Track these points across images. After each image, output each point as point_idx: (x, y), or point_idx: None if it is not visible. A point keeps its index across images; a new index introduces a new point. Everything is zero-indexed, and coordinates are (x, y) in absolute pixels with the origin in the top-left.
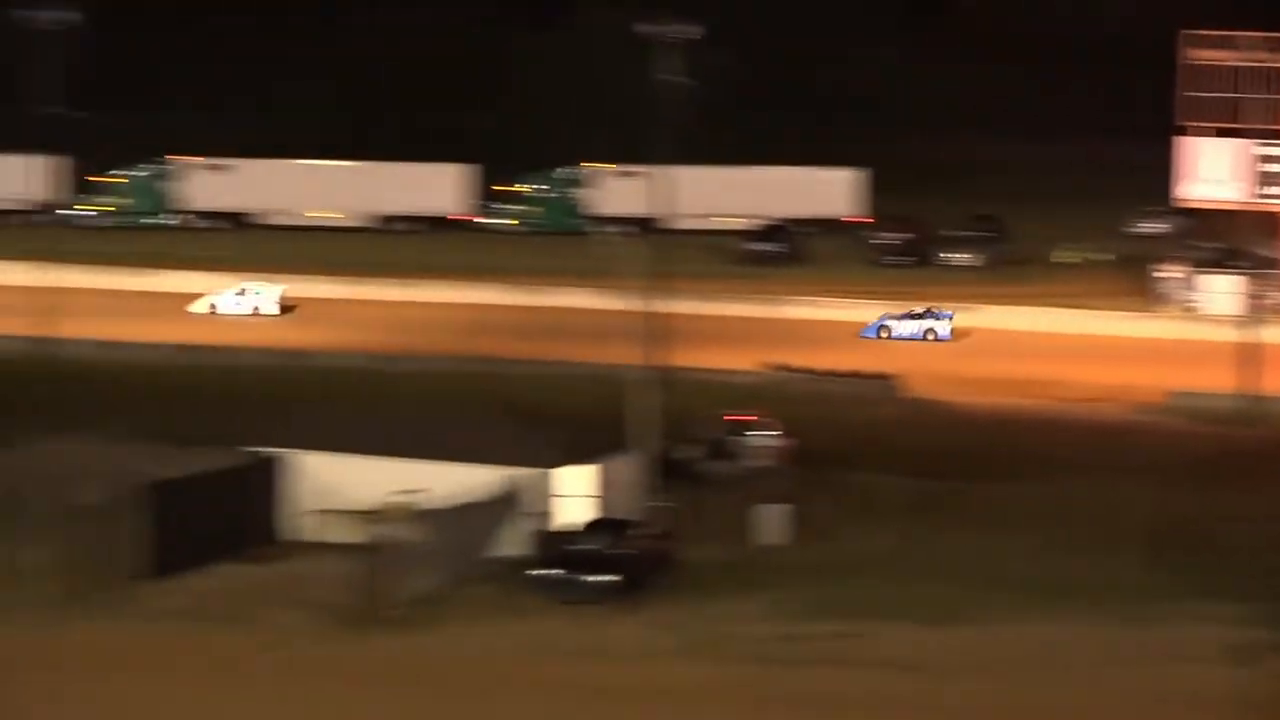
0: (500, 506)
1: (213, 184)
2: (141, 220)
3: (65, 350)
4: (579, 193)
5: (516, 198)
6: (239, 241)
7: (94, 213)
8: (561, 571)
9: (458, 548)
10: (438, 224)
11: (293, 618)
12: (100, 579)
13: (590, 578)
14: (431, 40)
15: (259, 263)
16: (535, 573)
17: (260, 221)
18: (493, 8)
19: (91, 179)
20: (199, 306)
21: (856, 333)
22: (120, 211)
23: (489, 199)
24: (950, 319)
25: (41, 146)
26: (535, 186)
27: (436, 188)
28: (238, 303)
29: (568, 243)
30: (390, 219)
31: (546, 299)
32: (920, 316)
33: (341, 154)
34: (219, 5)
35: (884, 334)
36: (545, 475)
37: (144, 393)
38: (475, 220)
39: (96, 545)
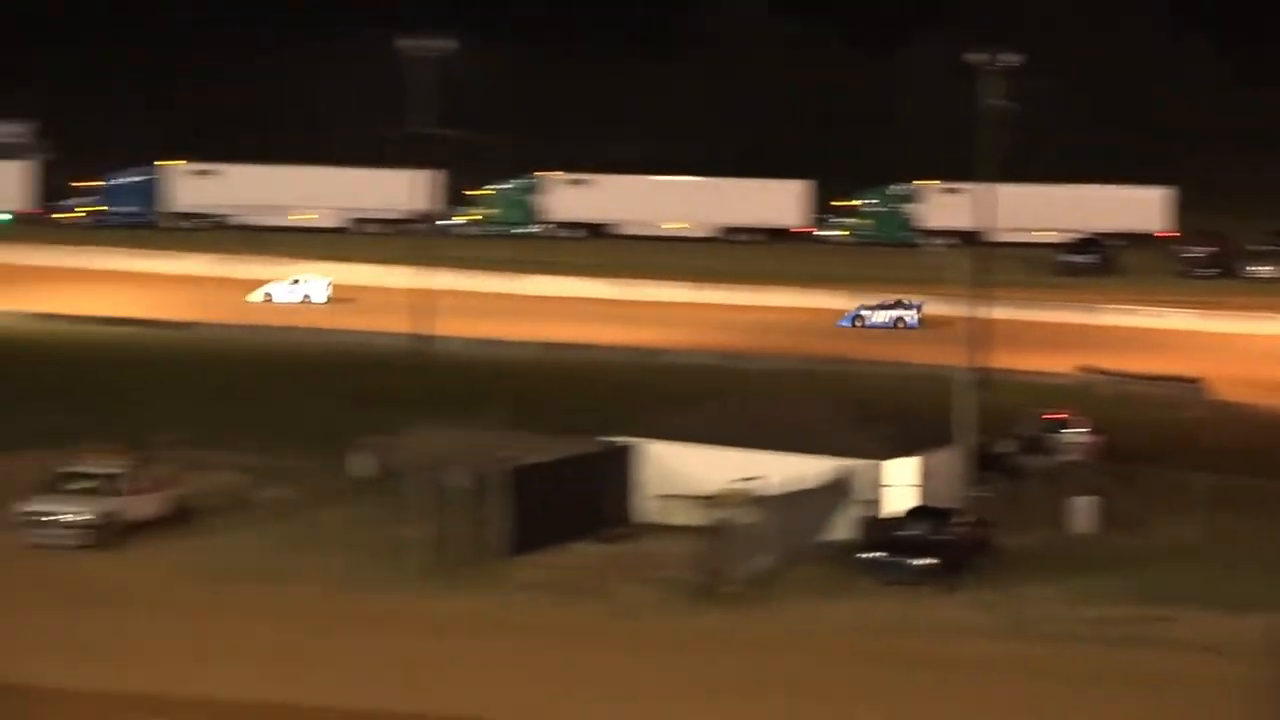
0: (831, 494)
1: (574, 197)
2: (510, 230)
3: (440, 346)
4: (909, 207)
5: (852, 211)
6: (595, 250)
7: (467, 223)
8: (886, 555)
9: (791, 531)
10: (778, 235)
11: (640, 592)
12: (467, 554)
13: (913, 561)
14: (777, 65)
15: (610, 269)
16: (862, 555)
17: (616, 232)
18: (833, 35)
19: (466, 192)
20: (255, 295)
21: (848, 324)
22: (491, 221)
23: (826, 213)
24: (918, 309)
25: (422, 163)
26: (869, 201)
27: (778, 202)
28: (291, 291)
29: (898, 253)
30: (734, 230)
31: None
32: (891, 307)
33: (692, 170)
34: (582, 33)
35: (859, 323)
36: (874, 466)
37: (510, 385)
38: (813, 232)
39: (465, 523)
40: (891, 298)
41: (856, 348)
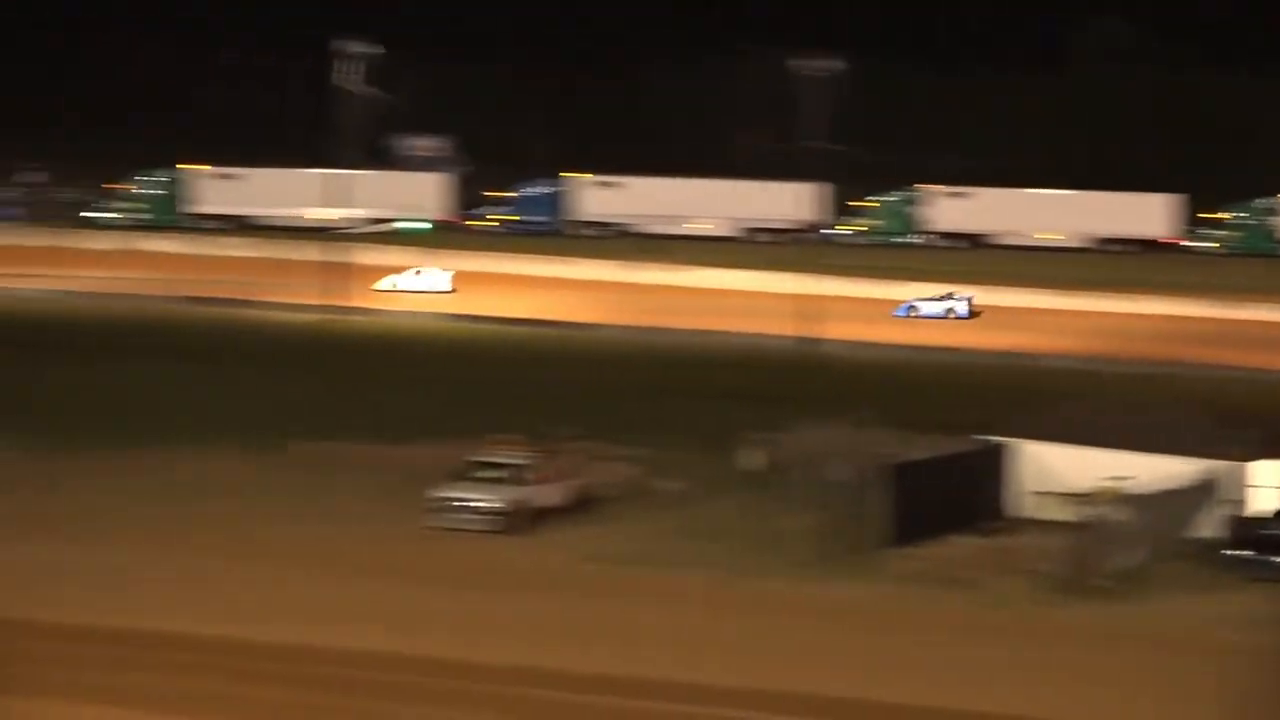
0: (1198, 494)
1: (953, 209)
2: (891, 239)
3: (825, 348)
4: (1275, 220)
5: (1219, 223)
6: (972, 259)
7: (852, 232)
8: (1252, 553)
9: (1158, 529)
10: (1148, 246)
11: (1012, 584)
12: (848, 545)
13: (1279, 559)
14: (1146, 80)
15: (986, 277)
16: (1228, 553)
17: (993, 242)
18: (1199, 51)
19: (850, 203)
20: (383, 284)
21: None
22: (874, 231)
23: (1194, 225)
24: (969, 301)
25: (809, 175)
26: (1236, 214)
27: (1148, 214)
28: (414, 281)
29: (1264, 264)
30: (1106, 241)
31: (1243, 313)
32: (942, 299)
33: (1065, 183)
34: (963, 52)
35: (913, 313)
36: (1239, 467)
37: (890, 386)
38: (1181, 243)
39: (846, 516)
40: (943, 290)
41: (1222, 354)
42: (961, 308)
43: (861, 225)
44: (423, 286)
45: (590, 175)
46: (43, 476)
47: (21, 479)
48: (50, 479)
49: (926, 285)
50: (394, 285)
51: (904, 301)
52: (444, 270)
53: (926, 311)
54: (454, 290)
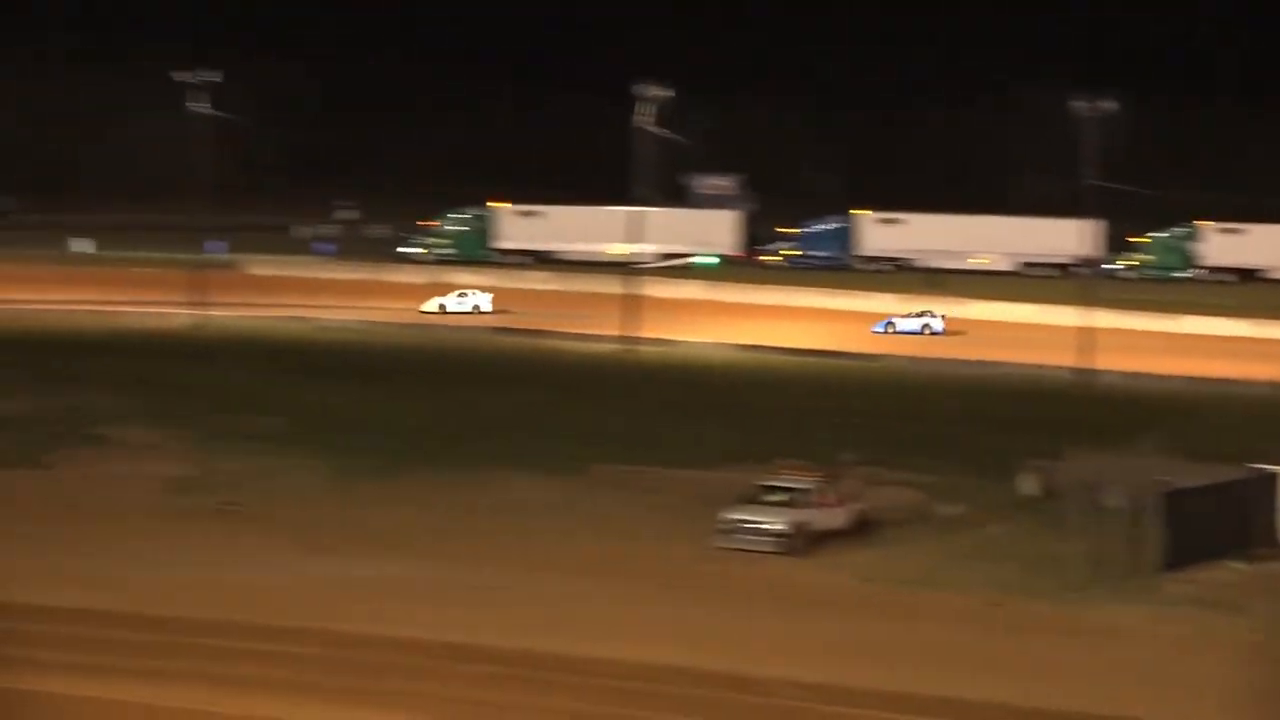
0: None
1: (1226, 244)
2: (1167, 274)
3: (1100, 379)
4: None
5: None
6: (1244, 293)
7: (1126, 267)
8: None
9: None
10: None
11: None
12: (1121, 569)
13: None
14: None
15: (1258, 310)
16: None
17: (1266, 277)
18: None
19: (1126, 238)
20: (430, 306)
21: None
22: (1149, 266)
23: None
24: (942, 318)
25: (1085, 212)
26: None
27: None
28: (459, 303)
29: None
30: None
31: None
32: (919, 316)
33: None
34: (1237, 90)
35: (890, 329)
36: None
37: (1162, 415)
38: None
39: (1119, 541)
40: (919, 308)
41: None
42: (937, 324)
43: (1136, 260)
44: (467, 308)
45: (874, 212)
46: (354, 497)
47: (337, 499)
48: (361, 500)
49: (1207, 318)
50: (440, 307)
51: (883, 316)
52: (484, 294)
53: (904, 328)
54: (495, 312)
